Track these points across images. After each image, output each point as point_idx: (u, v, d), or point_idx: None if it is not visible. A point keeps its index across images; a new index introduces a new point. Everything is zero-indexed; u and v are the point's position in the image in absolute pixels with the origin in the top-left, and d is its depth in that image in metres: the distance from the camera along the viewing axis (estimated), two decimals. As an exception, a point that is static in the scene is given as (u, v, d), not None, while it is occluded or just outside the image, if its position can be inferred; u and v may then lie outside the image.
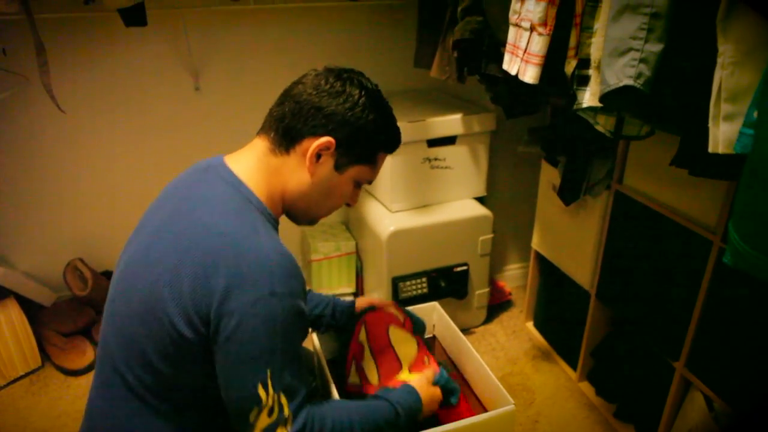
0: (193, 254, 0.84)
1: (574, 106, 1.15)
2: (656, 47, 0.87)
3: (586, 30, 1.09)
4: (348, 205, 1.07)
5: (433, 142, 1.94)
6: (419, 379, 1.13)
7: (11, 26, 1.74)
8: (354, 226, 2.28)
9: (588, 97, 1.09)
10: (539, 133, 1.84)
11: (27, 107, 1.89)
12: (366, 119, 0.95)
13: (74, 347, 2.05)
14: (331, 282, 2.24)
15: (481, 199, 2.11)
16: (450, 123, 1.93)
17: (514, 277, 2.61)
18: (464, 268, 2.07)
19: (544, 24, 1.10)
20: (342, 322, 1.32)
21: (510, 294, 2.47)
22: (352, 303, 1.33)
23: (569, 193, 1.75)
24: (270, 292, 0.83)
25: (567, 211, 1.86)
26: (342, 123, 0.93)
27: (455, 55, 1.54)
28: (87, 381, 1.99)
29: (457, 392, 1.20)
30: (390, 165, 1.91)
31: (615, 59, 0.90)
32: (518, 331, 2.28)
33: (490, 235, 2.06)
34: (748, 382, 1.29)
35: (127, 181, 2.07)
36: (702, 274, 1.36)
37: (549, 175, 1.94)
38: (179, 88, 2.01)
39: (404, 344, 1.27)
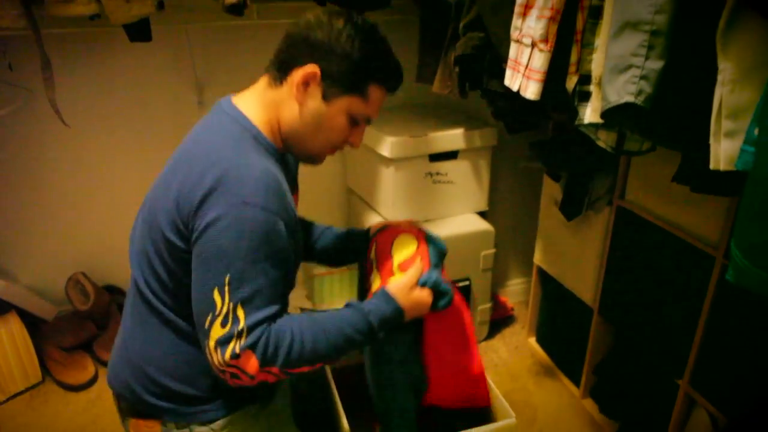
0: (186, 170, 0.92)
1: (576, 122, 1.15)
2: (657, 64, 0.87)
3: (587, 46, 1.10)
4: (351, 145, 1.05)
5: (435, 157, 1.95)
6: (399, 282, 1.04)
7: (18, 41, 1.75)
8: (356, 241, 2.28)
9: (589, 113, 1.09)
10: (541, 147, 1.85)
11: (31, 121, 1.90)
12: (351, 47, 0.94)
13: (75, 362, 2.05)
14: (333, 297, 2.23)
15: (482, 214, 2.11)
16: (452, 138, 1.94)
17: (516, 292, 2.60)
18: (466, 283, 2.06)
19: (545, 40, 1.11)
20: (358, 248, 1.29)
21: (512, 309, 2.46)
22: (368, 229, 1.31)
23: (571, 208, 1.75)
24: (243, 201, 0.86)
25: (569, 226, 1.86)
26: (327, 51, 0.94)
27: (457, 70, 1.55)
28: (87, 397, 1.98)
29: (447, 296, 1.08)
30: (392, 179, 1.92)
31: (616, 76, 0.90)
32: (520, 346, 2.27)
33: (492, 250, 2.06)
34: (752, 400, 1.27)
35: (130, 194, 2.07)
36: (705, 290, 1.35)
37: (551, 190, 1.94)
38: (183, 103, 2.02)
39: (403, 246, 1.16)
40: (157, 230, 0.94)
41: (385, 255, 1.17)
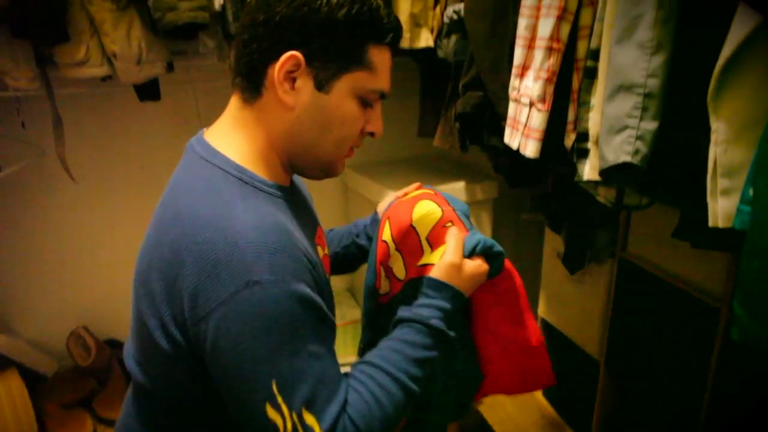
0: (161, 251, 0.72)
1: (575, 178, 1.17)
2: (651, 125, 0.90)
3: (584, 105, 1.12)
4: (372, 134, 0.83)
5: (438, 210, 1.96)
6: (445, 263, 0.82)
7: (31, 100, 1.81)
8: (359, 294, 2.27)
9: (588, 170, 1.11)
10: (542, 200, 1.86)
11: (40, 176, 1.94)
12: (330, 9, 0.72)
13: (73, 420, 2.01)
14: (338, 351, 2.20)
15: (486, 266, 2.11)
16: (453, 191, 1.96)
17: (521, 343, 2.56)
18: (470, 335, 2.04)
19: (542, 100, 1.14)
20: (369, 239, 1.08)
21: (518, 362, 2.42)
22: (374, 212, 1.10)
23: (574, 260, 1.75)
24: (247, 282, 0.66)
25: (573, 279, 1.85)
26: (302, 27, 0.73)
27: (457, 126, 1.59)
28: (84, 455, 1.94)
29: (501, 256, 0.88)
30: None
31: (612, 136, 0.92)
32: (527, 401, 2.22)
33: (496, 302, 2.05)
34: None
35: (134, 249, 2.09)
36: (712, 343, 1.34)
37: (553, 243, 1.94)
38: (189, 158, 2.06)
39: (425, 215, 0.93)
40: (140, 321, 0.76)
41: (405, 231, 0.94)
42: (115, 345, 2.17)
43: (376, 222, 1.06)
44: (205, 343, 0.69)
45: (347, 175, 2.17)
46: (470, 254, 0.86)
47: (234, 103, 0.81)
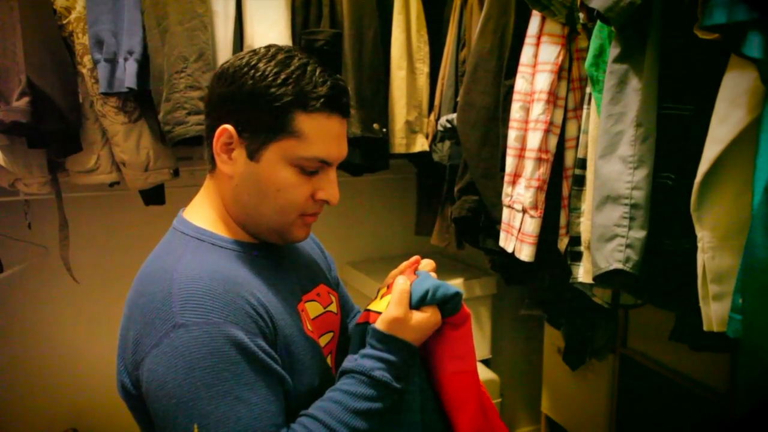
0: (124, 312, 0.78)
1: (570, 280, 1.19)
2: (640, 234, 0.94)
3: (575, 211, 1.18)
4: (325, 201, 0.83)
5: (436, 306, 1.97)
6: (387, 315, 0.79)
7: (40, 203, 1.86)
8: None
9: (582, 273, 1.14)
10: (540, 296, 1.88)
11: (41, 276, 1.95)
12: (254, 81, 0.76)
13: None
14: None
15: (486, 362, 2.09)
16: (452, 287, 1.98)
17: (526, 442, 2.48)
18: (473, 436, 1.98)
19: (535, 207, 1.19)
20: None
21: (523, 462, 2.33)
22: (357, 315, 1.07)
23: (574, 356, 1.74)
24: (173, 324, 0.69)
25: (575, 375, 1.84)
26: (231, 103, 0.78)
27: (454, 226, 1.63)
28: None
29: (452, 301, 0.83)
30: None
31: (603, 244, 0.96)
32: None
33: (498, 399, 2.01)
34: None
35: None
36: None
37: (553, 338, 1.94)
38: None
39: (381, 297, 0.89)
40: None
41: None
42: (106, 451, 2.09)
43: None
44: (142, 388, 0.72)
45: (343, 270, 2.19)
46: (418, 305, 0.82)
47: (207, 177, 0.87)
